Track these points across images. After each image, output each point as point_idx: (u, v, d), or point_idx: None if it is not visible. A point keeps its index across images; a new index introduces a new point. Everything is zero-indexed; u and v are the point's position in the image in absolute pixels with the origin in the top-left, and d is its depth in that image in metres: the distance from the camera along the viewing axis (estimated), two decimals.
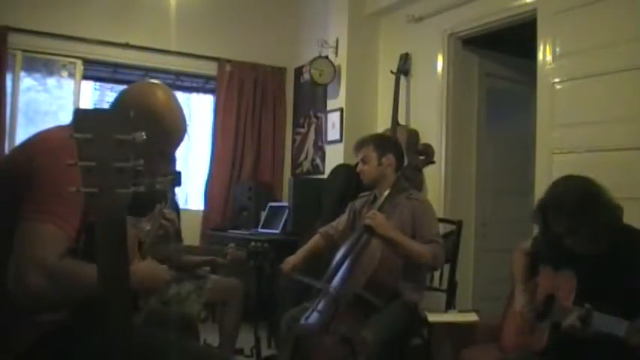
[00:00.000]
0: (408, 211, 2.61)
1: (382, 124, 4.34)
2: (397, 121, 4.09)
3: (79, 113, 1.00)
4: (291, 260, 2.76)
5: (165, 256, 1.46)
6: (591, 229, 1.82)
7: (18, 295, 1.20)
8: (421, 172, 3.28)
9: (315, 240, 2.92)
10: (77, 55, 4.52)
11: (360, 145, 2.80)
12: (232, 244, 3.09)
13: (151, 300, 2.05)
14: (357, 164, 2.94)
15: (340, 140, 4.47)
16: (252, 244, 2.84)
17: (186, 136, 1.56)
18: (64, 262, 1.23)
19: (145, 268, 1.41)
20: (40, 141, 1.39)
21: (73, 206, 1.24)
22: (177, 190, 3.13)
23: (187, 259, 3.04)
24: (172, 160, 2.93)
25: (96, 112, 1.03)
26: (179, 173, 2.99)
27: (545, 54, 3.23)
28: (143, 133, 0.98)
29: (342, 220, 2.91)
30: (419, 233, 2.58)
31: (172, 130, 1.50)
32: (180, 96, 5.19)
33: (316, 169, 5.02)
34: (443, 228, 3.00)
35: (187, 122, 1.56)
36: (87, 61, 4.59)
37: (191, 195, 5.17)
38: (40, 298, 1.21)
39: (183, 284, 2.94)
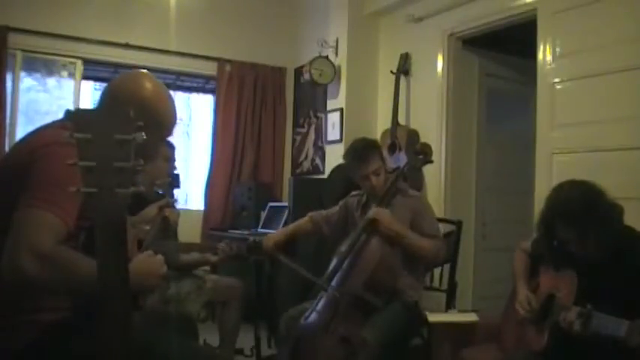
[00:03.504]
0: (406, 209, 2.61)
1: (382, 124, 4.34)
2: (397, 121, 4.09)
3: (78, 113, 1.00)
4: (273, 237, 2.74)
5: (162, 254, 1.43)
6: (599, 235, 1.81)
7: (10, 278, 1.20)
8: (420, 171, 3.28)
9: (303, 222, 2.91)
10: (77, 55, 4.51)
11: (368, 156, 2.59)
12: (226, 241, 3.08)
13: (151, 298, 2.05)
14: None
15: (340, 140, 4.46)
16: (251, 239, 2.84)
17: (177, 123, 1.61)
18: (58, 249, 1.23)
19: (137, 262, 1.34)
20: (40, 136, 1.42)
21: (72, 197, 1.22)
22: (176, 191, 3.13)
23: (183, 259, 3.04)
24: (171, 163, 2.97)
25: (96, 112, 1.04)
26: (177, 175, 3.00)
27: (545, 54, 3.22)
28: (143, 134, 0.98)
29: (332, 212, 2.88)
30: (419, 229, 2.57)
31: (165, 116, 1.54)
32: (180, 96, 5.19)
33: (316, 169, 5.02)
34: (443, 228, 2.99)
35: (176, 108, 1.60)
36: (87, 61, 4.58)
37: (191, 195, 5.17)
38: (31, 282, 1.21)
39: (182, 284, 2.94)
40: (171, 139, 2.99)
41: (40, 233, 1.21)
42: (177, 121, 1.60)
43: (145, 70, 1.62)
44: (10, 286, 1.26)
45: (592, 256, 1.86)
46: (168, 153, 2.95)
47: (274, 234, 2.76)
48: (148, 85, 1.52)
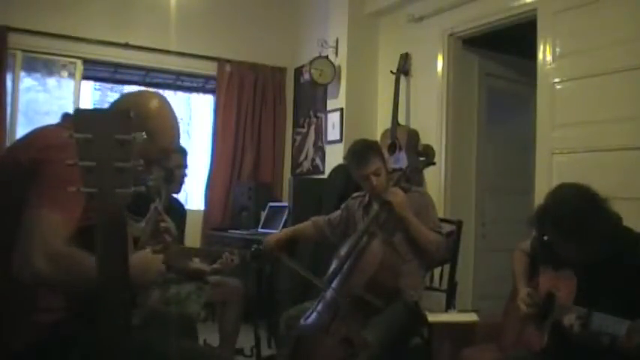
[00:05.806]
0: (410, 205, 2.61)
1: (382, 124, 4.34)
2: (397, 121, 4.09)
3: (78, 113, 1.00)
4: (275, 236, 2.74)
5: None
6: (588, 243, 1.80)
7: (23, 278, 1.23)
8: (421, 172, 3.28)
9: (305, 225, 2.90)
10: (77, 55, 4.51)
11: (367, 158, 2.61)
12: (229, 251, 3.07)
13: (150, 297, 2.05)
14: None
15: (340, 140, 4.47)
16: (255, 246, 2.82)
17: (178, 140, 1.65)
18: (67, 247, 1.27)
19: (136, 259, 1.39)
20: (41, 137, 1.42)
21: (76, 199, 1.24)
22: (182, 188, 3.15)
23: (195, 267, 3.03)
24: (184, 168, 3.05)
25: (95, 113, 1.04)
26: (184, 177, 3.03)
27: (545, 54, 3.23)
28: (144, 133, 0.98)
29: (334, 216, 2.88)
30: (423, 223, 2.59)
31: (163, 135, 1.55)
32: (181, 96, 5.20)
33: (316, 169, 5.02)
34: (443, 228, 3.00)
35: (179, 129, 1.64)
36: (87, 61, 4.58)
37: (191, 195, 5.17)
38: (45, 282, 1.26)
39: (183, 285, 2.94)
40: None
41: (49, 233, 1.25)
42: (177, 140, 1.64)
43: (153, 90, 1.66)
44: (24, 287, 1.28)
45: (584, 260, 1.85)
46: (180, 160, 3.01)
47: (276, 234, 2.76)
48: (154, 103, 1.54)
